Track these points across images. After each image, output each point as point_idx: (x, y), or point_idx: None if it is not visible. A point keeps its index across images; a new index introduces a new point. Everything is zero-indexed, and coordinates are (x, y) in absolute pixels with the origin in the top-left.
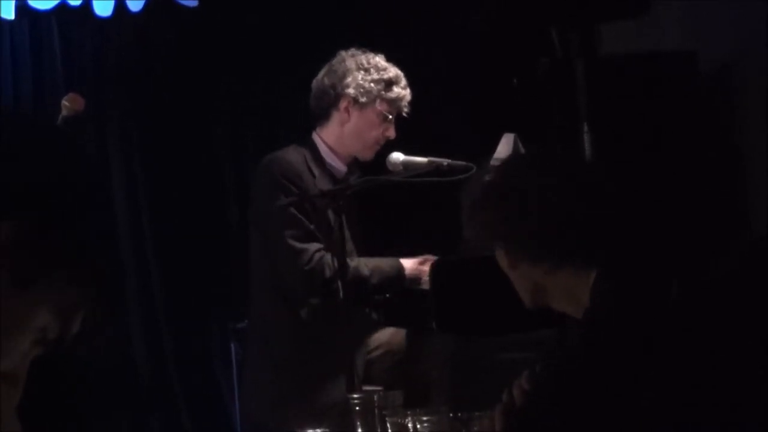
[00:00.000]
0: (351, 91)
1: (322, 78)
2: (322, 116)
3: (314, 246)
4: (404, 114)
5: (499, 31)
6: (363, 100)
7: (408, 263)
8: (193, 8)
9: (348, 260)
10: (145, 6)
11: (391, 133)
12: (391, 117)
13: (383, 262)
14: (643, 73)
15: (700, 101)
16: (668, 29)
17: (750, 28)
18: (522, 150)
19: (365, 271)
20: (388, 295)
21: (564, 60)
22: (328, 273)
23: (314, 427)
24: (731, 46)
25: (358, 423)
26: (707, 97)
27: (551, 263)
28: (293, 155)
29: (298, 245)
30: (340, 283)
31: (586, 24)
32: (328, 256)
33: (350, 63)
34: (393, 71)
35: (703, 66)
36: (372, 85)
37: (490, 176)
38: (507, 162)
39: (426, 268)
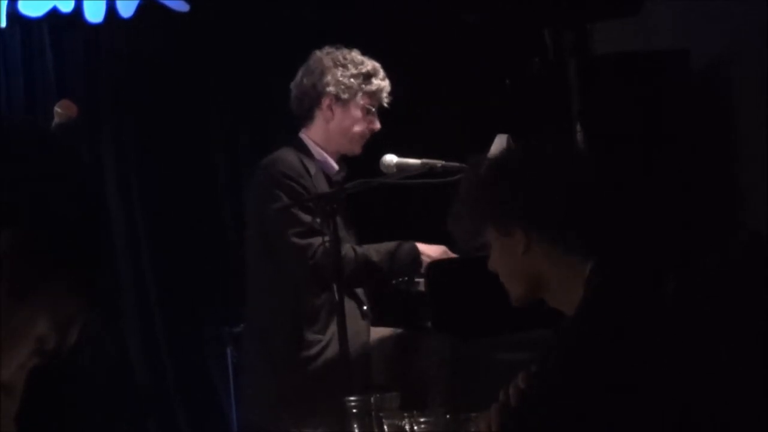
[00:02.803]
0: (331, 88)
1: (300, 79)
2: (306, 117)
3: (318, 240)
4: (385, 105)
5: (492, 31)
6: (344, 96)
7: (429, 248)
8: (185, 13)
9: (357, 247)
10: (137, 12)
11: (376, 125)
12: (373, 109)
13: (395, 247)
14: (635, 72)
15: (694, 99)
16: (661, 28)
17: (743, 25)
18: None
19: (374, 257)
20: (406, 278)
21: (556, 60)
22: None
23: (313, 430)
24: (724, 44)
25: (355, 425)
26: (700, 96)
27: (566, 246)
28: (290, 156)
29: (302, 241)
30: (335, 286)
31: (579, 24)
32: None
33: (327, 61)
34: (370, 64)
35: (696, 64)
36: (351, 80)
37: (502, 154)
38: (520, 143)
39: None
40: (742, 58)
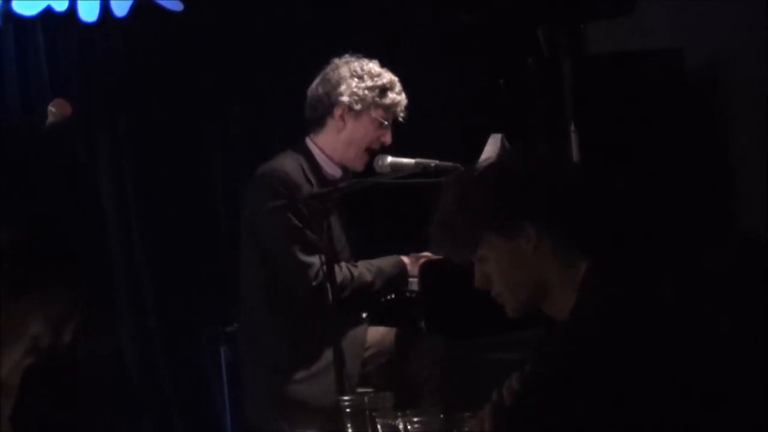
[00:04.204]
0: (345, 99)
1: (316, 86)
2: (317, 124)
3: (319, 259)
4: (400, 119)
5: (486, 31)
6: (357, 107)
7: (408, 261)
8: (179, 12)
9: (351, 265)
10: (131, 11)
11: (387, 139)
12: (386, 123)
13: (384, 263)
14: (629, 72)
15: (687, 99)
16: (655, 27)
17: (737, 25)
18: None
19: (368, 276)
20: (392, 296)
21: (551, 59)
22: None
23: (308, 429)
24: (718, 44)
25: (349, 425)
26: (694, 95)
27: (569, 243)
28: (290, 164)
29: (305, 259)
30: (329, 286)
31: (573, 23)
32: (335, 268)
33: (344, 70)
34: (387, 77)
35: (689, 64)
36: (366, 92)
37: (496, 159)
38: (515, 145)
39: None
40: (736, 58)
